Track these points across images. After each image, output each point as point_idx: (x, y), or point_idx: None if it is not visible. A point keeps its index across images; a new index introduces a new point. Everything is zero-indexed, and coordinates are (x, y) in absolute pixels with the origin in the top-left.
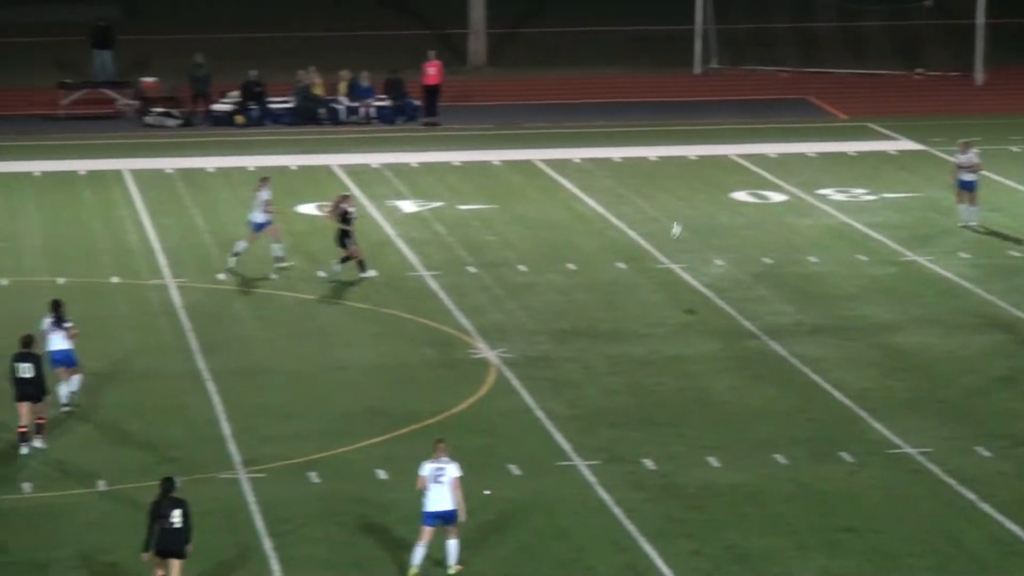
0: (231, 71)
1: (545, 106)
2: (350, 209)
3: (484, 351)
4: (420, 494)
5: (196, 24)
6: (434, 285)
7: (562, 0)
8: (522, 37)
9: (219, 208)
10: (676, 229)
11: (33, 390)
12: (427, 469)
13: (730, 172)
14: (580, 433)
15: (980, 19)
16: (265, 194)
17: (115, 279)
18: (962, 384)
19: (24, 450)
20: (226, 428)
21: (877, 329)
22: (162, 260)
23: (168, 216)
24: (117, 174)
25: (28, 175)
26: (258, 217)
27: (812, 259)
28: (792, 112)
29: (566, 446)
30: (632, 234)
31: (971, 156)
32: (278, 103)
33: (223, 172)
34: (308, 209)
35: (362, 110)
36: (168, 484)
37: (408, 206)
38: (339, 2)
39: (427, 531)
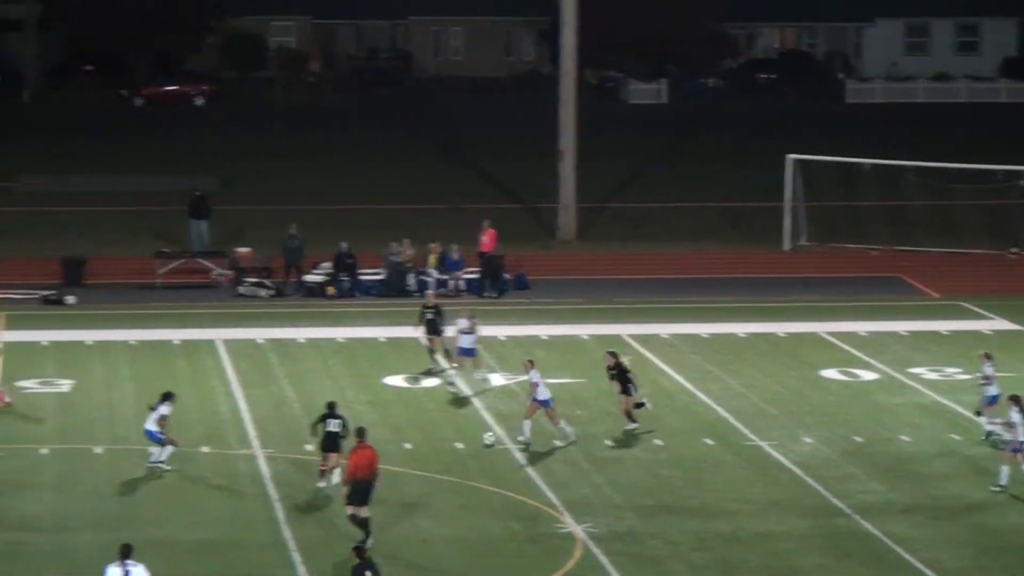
0: (324, 242)
1: (634, 281)
2: (623, 362)
3: (571, 526)
4: None
5: (290, 196)
6: (520, 458)
7: (652, 176)
8: (612, 211)
9: (309, 379)
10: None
11: (331, 444)
12: None
13: (820, 350)
14: None
15: None
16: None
17: (205, 448)
18: None
19: (321, 484)
20: None
21: (970, 509)
22: (251, 430)
23: (259, 386)
24: (210, 344)
25: (124, 343)
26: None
27: (904, 438)
28: (883, 290)
29: None
30: (720, 410)
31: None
32: (369, 275)
33: (313, 343)
34: (395, 381)
35: (451, 283)
36: (360, 549)
37: (496, 379)
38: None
39: None
